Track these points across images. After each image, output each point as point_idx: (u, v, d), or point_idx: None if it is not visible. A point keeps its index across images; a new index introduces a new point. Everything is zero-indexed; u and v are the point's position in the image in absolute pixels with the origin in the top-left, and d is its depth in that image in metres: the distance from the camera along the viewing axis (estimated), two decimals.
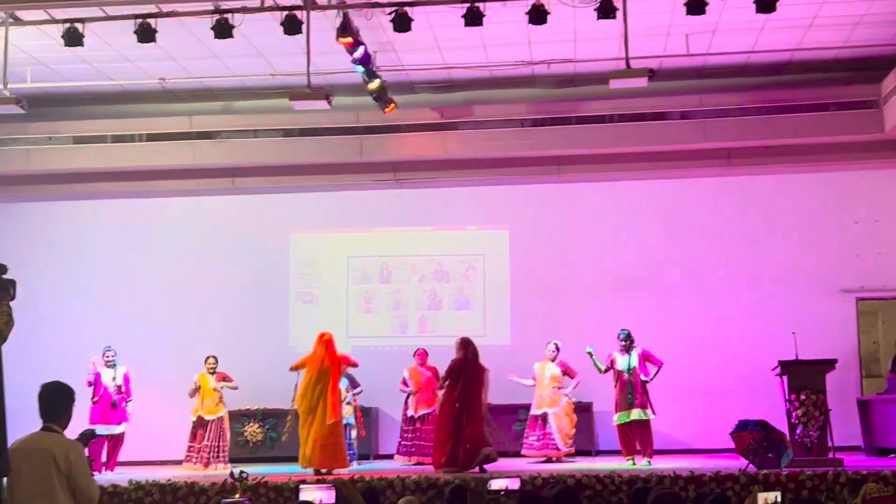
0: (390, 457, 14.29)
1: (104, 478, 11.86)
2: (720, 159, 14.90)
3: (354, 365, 12.64)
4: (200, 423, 13.47)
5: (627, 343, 12.77)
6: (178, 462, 13.57)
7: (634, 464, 12.45)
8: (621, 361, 12.74)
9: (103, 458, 13.15)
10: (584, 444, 14.17)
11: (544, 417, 13.40)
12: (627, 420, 12.67)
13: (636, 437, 12.70)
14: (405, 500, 8.54)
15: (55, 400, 5.45)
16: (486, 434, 11.88)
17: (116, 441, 13.34)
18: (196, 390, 13.52)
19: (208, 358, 13.66)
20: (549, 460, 13.21)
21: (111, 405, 13.27)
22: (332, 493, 7.74)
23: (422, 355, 13.91)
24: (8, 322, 4.82)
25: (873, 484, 8.01)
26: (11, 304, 4.87)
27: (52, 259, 16.10)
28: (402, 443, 13.69)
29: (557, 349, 13.64)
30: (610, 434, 13.59)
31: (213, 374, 13.58)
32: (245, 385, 14.21)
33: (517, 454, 13.59)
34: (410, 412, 13.67)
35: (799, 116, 14.21)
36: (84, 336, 15.03)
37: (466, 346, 12.15)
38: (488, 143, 14.79)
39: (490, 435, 11.97)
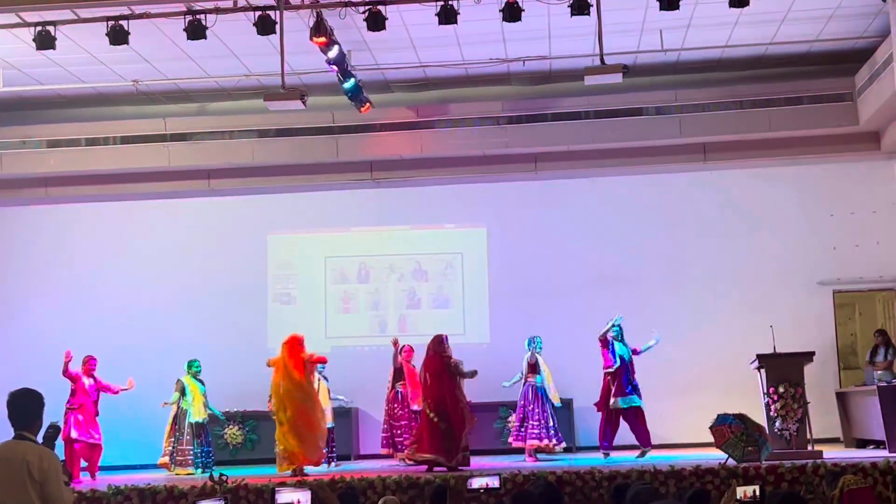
0: (370, 457, 14.22)
1: (83, 484, 11.78)
2: (696, 154, 14.89)
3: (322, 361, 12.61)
4: (199, 427, 13.42)
5: (621, 332, 12.95)
6: (157, 466, 13.47)
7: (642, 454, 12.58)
8: (620, 349, 12.88)
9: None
10: (565, 440, 14.12)
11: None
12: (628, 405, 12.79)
13: (634, 425, 12.82)
14: (386, 500, 8.53)
15: (27, 407, 5.33)
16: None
17: (95, 448, 13.25)
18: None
19: (194, 362, 13.59)
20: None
21: (91, 413, 13.20)
22: (309, 496, 7.70)
23: (409, 352, 13.76)
24: None
25: (851, 476, 8.04)
26: None
27: (27, 263, 16.01)
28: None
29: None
30: (590, 430, 13.61)
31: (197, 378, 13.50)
32: (224, 387, 14.14)
33: (511, 451, 13.49)
34: (414, 406, 13.23)
35: (773, 110, 14.23)
36: (58, 340, 14.88)
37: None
38: (464, 141, 14.76)
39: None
